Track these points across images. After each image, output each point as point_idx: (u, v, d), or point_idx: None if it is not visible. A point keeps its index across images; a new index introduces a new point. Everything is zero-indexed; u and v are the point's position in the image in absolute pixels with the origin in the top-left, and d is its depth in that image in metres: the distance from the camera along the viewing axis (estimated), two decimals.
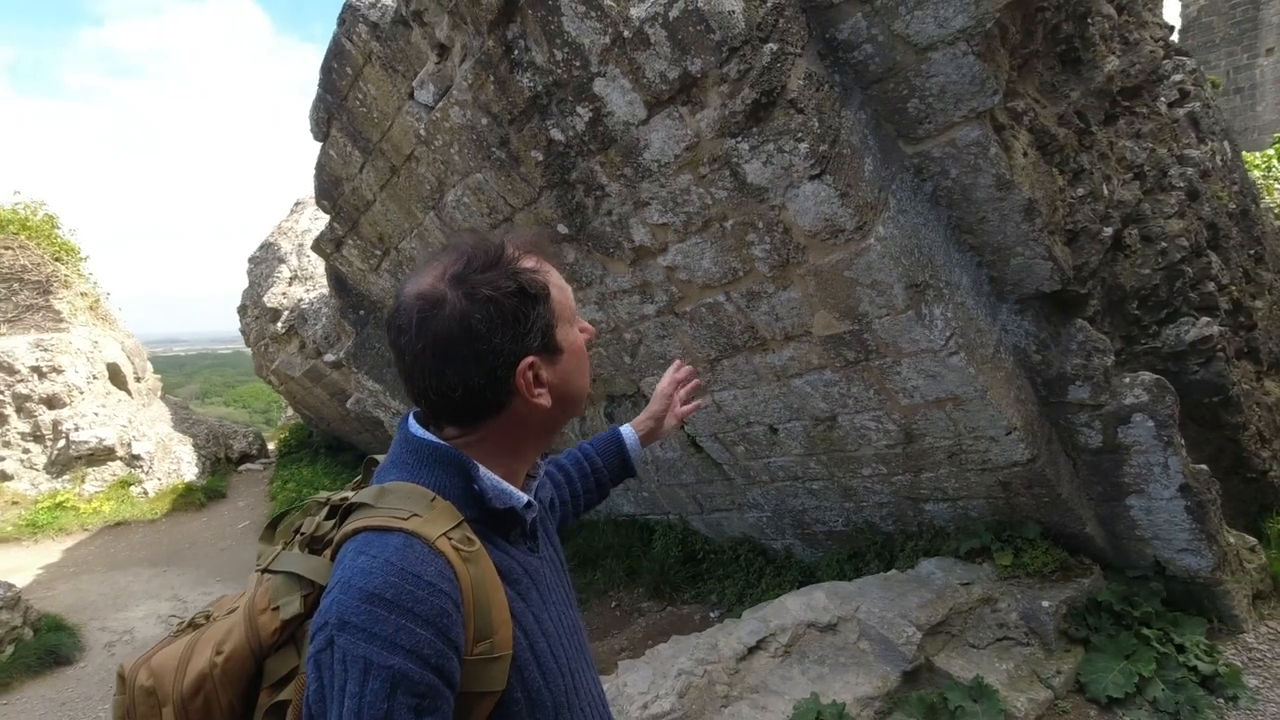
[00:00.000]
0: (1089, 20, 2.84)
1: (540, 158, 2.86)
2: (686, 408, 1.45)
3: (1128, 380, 2.93)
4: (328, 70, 3.91)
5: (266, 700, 0.82)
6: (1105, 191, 2.98)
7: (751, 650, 2.92)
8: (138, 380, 9.56)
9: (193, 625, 0.90)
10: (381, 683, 0.70)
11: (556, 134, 2.72)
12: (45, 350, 8.19)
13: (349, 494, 0.91)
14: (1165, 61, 3.92)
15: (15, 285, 8.30)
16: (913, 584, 3.12)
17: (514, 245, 0.89)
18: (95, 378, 8.71)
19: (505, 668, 0.81)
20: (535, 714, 0.84)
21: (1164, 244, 3.22)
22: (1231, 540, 3.13)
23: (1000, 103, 2.59)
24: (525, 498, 0.91)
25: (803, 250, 2.63)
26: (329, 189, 4.94)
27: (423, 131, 3.28)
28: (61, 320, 8.48)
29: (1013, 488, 3.15)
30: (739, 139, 2.36)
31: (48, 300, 8.43)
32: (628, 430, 1.42)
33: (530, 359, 0.87)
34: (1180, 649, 2.81)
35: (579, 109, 2.57)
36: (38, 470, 8.17)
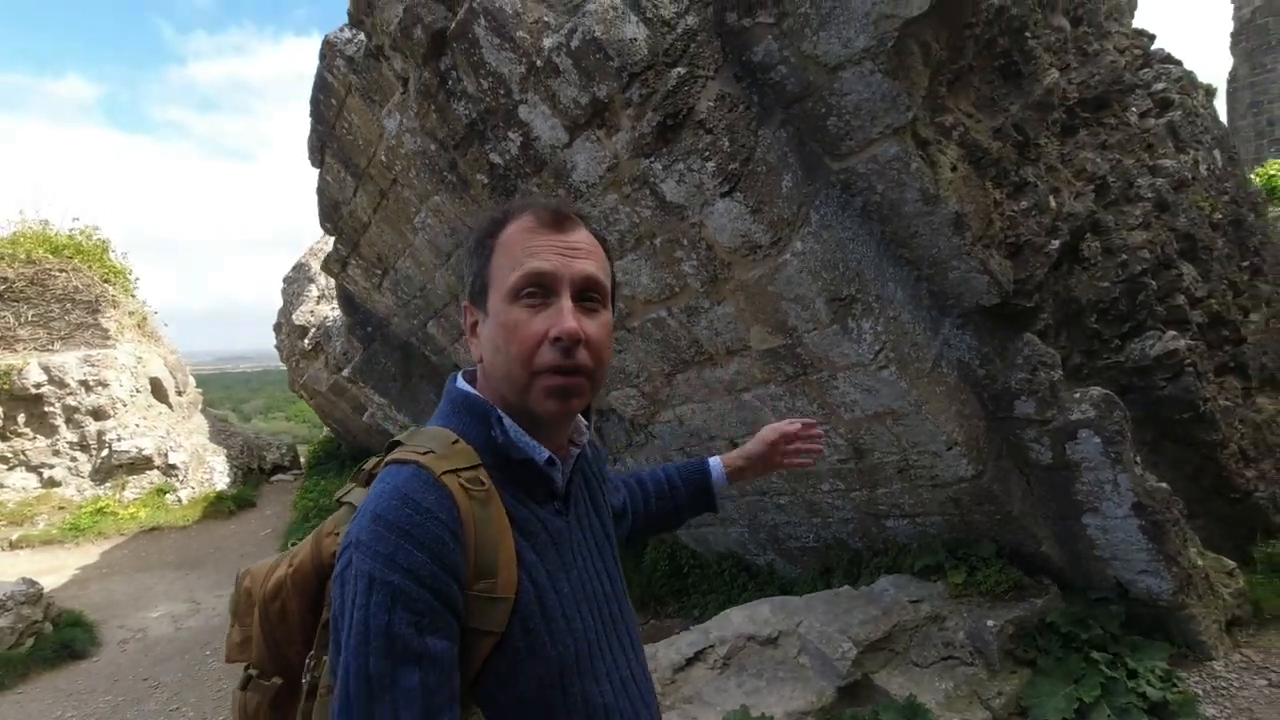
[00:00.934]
0: (1026, 34, 2.82)
1: (485, 180, 2.99)
2: (794, 460, 1.42)
3: (1077, 395, 2.86)
4: (316, 102, 4.14)
5: (326, 614, 0.87)
6: (1053, 204, 2.94)
7: (690, 661, 2.94)
8: (179, 394, 10.12)
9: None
10: (382, 595, 0.74)
11: (495, 158, 2.85)
12: (93, 366, 8.79)
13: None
14: (1143, 70, 3.84)
15: (68, 305, 8.95)
16: (861, 600, 3.10)
17: (528, 206, 0.93)
18: (138, 391, 9.28)
19: (506, 611, 0.82)
20: (536, 666, 0.84)
21: (1124, 256, 3.14)
22: (1200, 563, 3.00)
23: (926, 118, 2.61)
24: (546, 453, 0.91)
25: (728, 266, 2.68)
26: (329, 212, 5.20)
27: (383, 158, 3.46)
28: (109, 338, 9.09)
29: (963, 504, 3.10)
30: (652, 159, 2.44)
31: (96, 319, 9.06)
32: (715, 462, 1.40)
33: (466, 303, 0.95)
34: (1132, 674, 2.70)
35: (510, 134, 2.69)
36: (83, 477, 8.72)
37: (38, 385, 8.59)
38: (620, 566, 1.07)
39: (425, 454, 0.84)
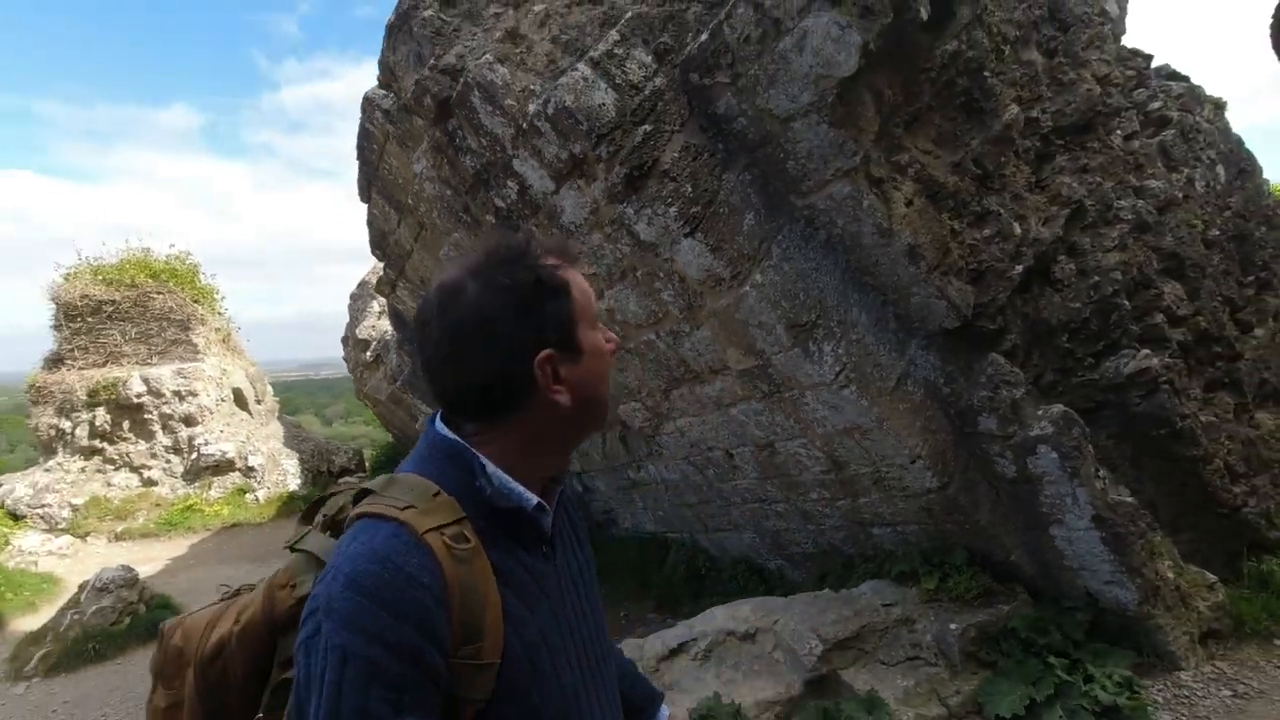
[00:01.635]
0: (985, 74, 3.01)
1: (493, 220, 3.40)
2: None
3: (1040, 412, 3.02)
4: (360, 147, 4.67)
5: (276, 677, 0.81)
6: (1017, 231, 3.10)
7: (674, 652, 3.23)
8: (258, 402, 11.09)
9: (236, 594, 0.92)
10: (357, 672, 0.69)
11: (499, 202, 3.24)
12: (184, 377, 9.78)
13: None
14: (1138, 90, 3.92)
15: (164, 324, 10.00)
16: (838, 603, 3.32)
17: (539, 244, 0.89)
18: (223, 400, 10.25)
19: (492, 677, 0.77)
20: None
21: (1097, 278, 3.26)
22: (1170, 575, 3.09)
23: (881, 157, 2.85)
24: (534, 499, 0.86)
25: (700, 295, 2.98)
26: (379, 240, 5.75)
27: (409, 201, 3.92)
28: (198, 352, 10.09)
29: (935, 514, 3.28)
30: (624, 204, 2.77)
31: (188, 335, 10.08)
32: (665, 712, 1.24)
33: (548, 352, 0.84)
34: (1089, 679, 2.84)
35: (509, 183, 3.08)
36: (176, 478, 9.70)
37: (139, 395, 9.63)
38: (602, 608, 1.03)
39: (405, 509, 0.77)
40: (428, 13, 3.03)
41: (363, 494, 0.83)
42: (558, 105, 2.56)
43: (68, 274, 10.28)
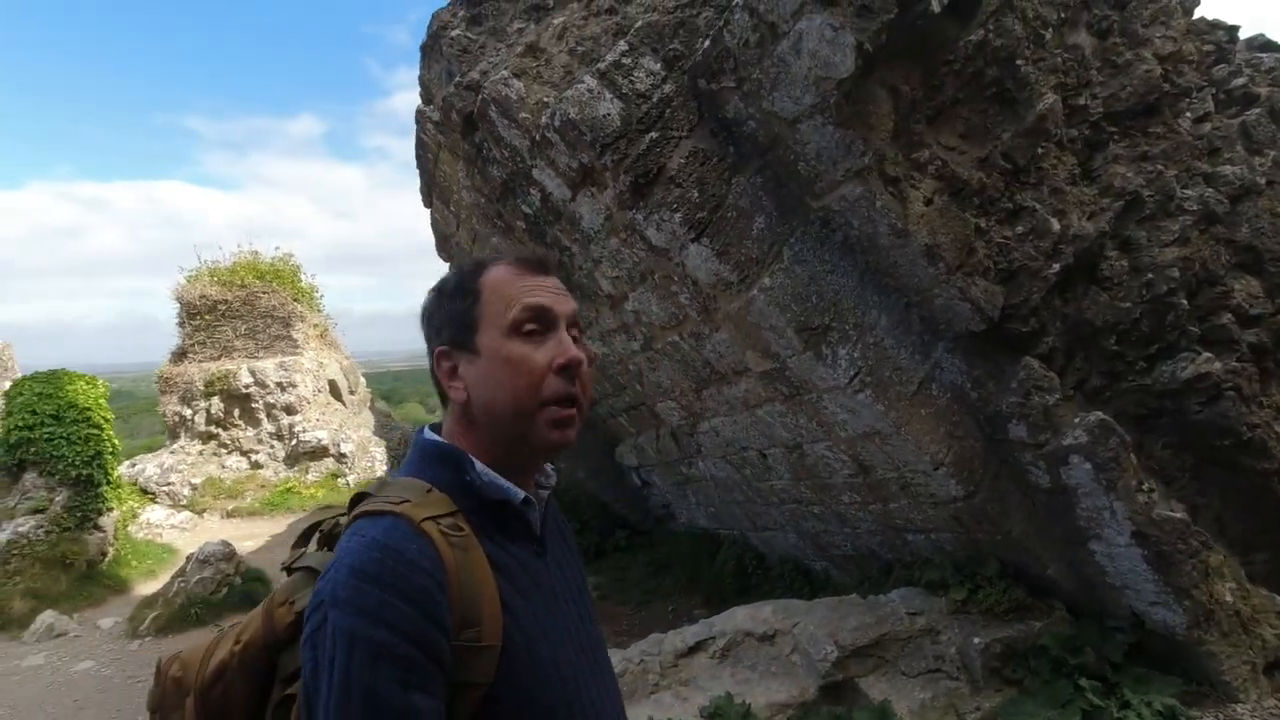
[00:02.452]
0: (1018, 62, 2.85)
1: (523, 225, 3.54)
2: None
3: (1077, 420, 2.85)
4: (418, 156, 4.94)
5: (278, 694, 0.83)
6: (1055, 227, 2.92)
7: (692, 649, 3.28)
8: (351, 393, 11.91)
9: (230, 627, 0.95)
10: (365, 653, 0.71)
11: (526, 208, 3.38)
12: (285, 370, 10.65)
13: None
14: (1218, 67, 3.59)
15: (269, 320, 10.92)
16: (861, 609, 3.26)
17: (502, 257, 0.95)
18: (319, 391, 11.09)
19: (493, 660, 0.79)
20: (526, 715, 0.82)
21: (1150, 275, 3.03)
22: (1229, 598, 2.84)
23: (898, 155, 2.77)
24: (521, 493, 0.90)
25: (714, 298, 3.00)
26: (442, 243, 6.05)
27: (451, 212, 4.12)
28: (297, 346, 10.96)
29: (965, 523, 3.16)
30: (633, 211, 2.83)
31: (289, 331, 10.96)
32: None
33: (440, 348, 0.92)
34: (1124, 704, 2.67)
35: (531, 191, 3.20)
36: (279, 462, 10.60)
37: (246, 386, 10.57)
38: (595, 613, 1.06)
39: (401, 504, 0.82)
40: (455, 32, 3.19)
41: (358, 500, 0.88)
42: (563, 118, 2.65)
43: (189, 276, 11.40)
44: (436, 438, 0.93)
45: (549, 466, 1.01)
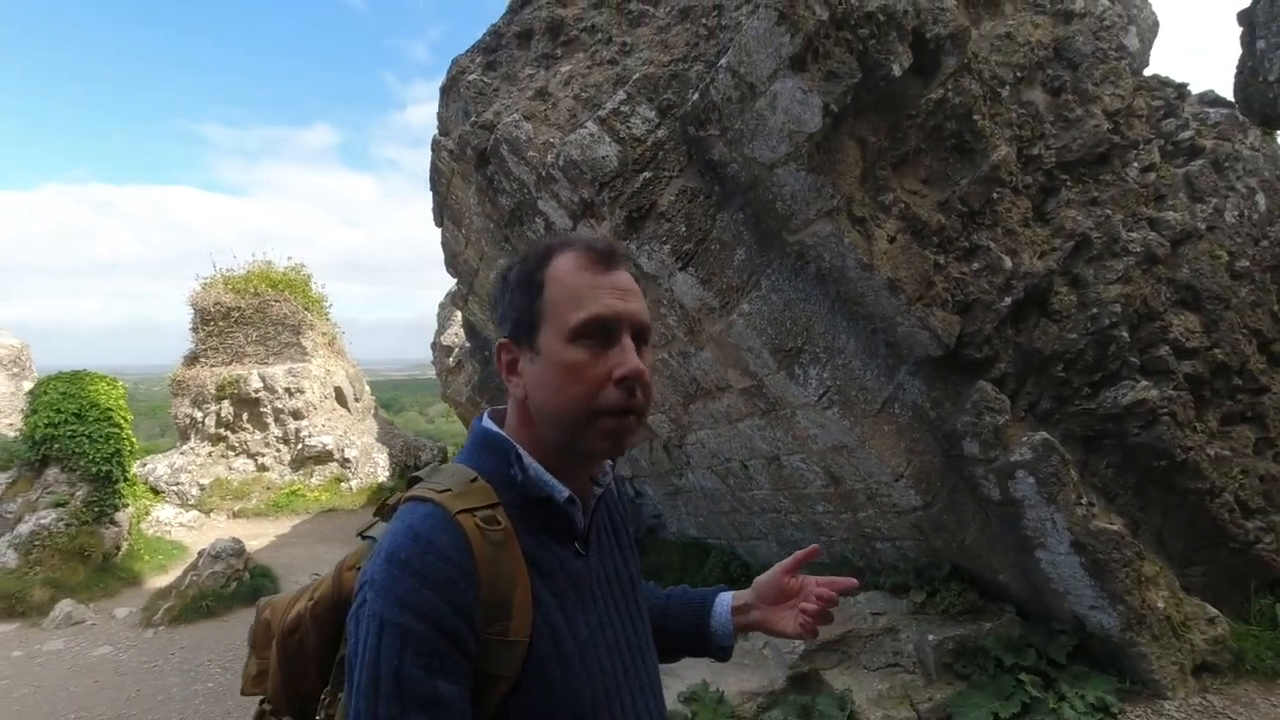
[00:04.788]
0: (975, 117, 3.19)
1: None
2: (809, 617, 1.13)
3: (1024, 439, 3.15)
4: (432, 179, 5.29)
5: (343, 651, 0.85)
6: (1008, 264, 3.25)
7: None
8: (356, 400, 12.25)
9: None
10: (392, 638, 0.73)
11: (531, 234, 3.71)
12: (294, 376, 11.01)
13: None
14: (1166, 120, 3.93)
15: (279, 328, 11.30)
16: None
17: (571, 243, 0.91)
18: (326, 398, 11.43)
19: (520, 654, 0.80)
20: (551, 713, 0.82)
21: (1095, 310, 3.34)
22: (1160, 604, 3.13)
23: (865, 197, 3.10)
24: (566, 492, 0.89)
25: (699, 321, 3.32)
26: (451, 260, 6.39)
27: (461, 233, 4.46)
28: (306, 354, 11.32)
29: (925, 531, 3.46)
30: (628, 241, 3.16)
31: (298, 339, 11.33)
32: (724, 600, 1.20)
33: (503, 340, 0.91)
34: (1061, 698, 2.96)
35: (537, 219, 3.54)
36: (284, 465, 10.92)
37: (256, 391, 10.92)
38: (645, 612, 1.04)
39: (442, 492, 0.83)
40: (472, 76, 3.54)
41: (413, 481, 0.90)
42: (567, 158, 2.98)
43: (205, 283, 11.77)
44: (492, 426, 0.93)
45: (608, 463, 0.99)
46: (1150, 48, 3.90)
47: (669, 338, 3.61)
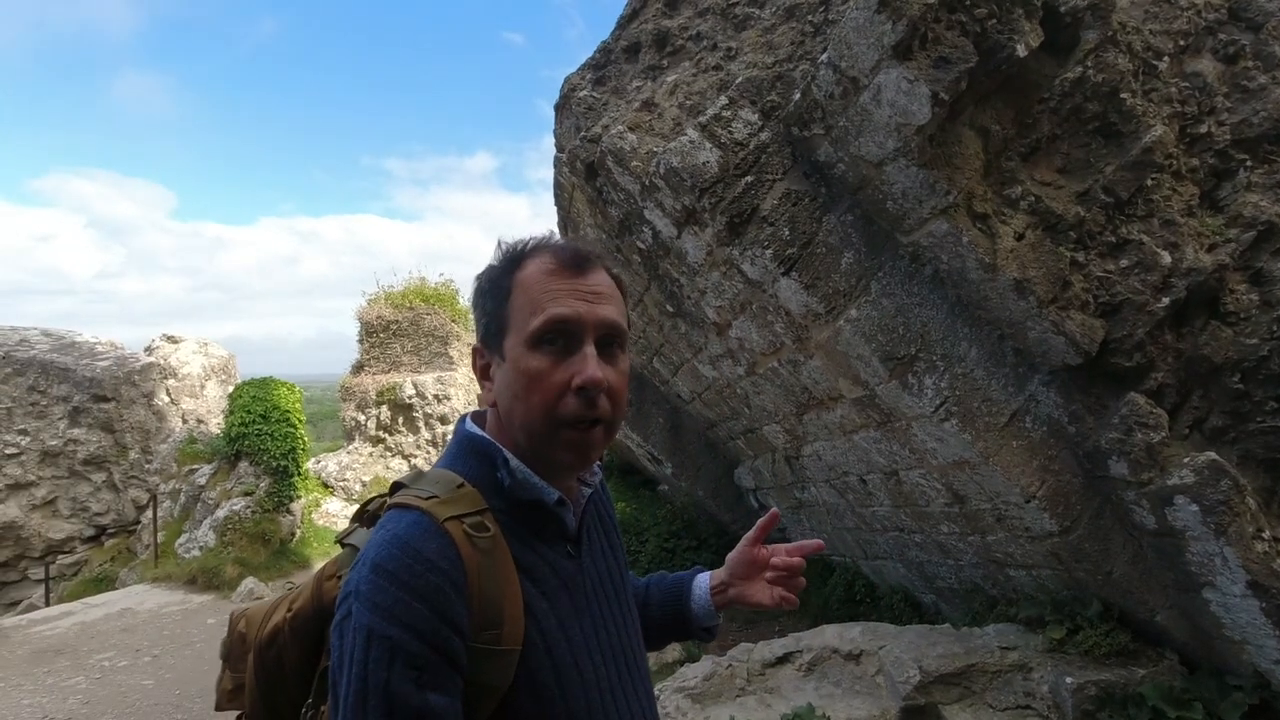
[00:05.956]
0: (1122, 95, 2.84)
1: (638, 260, 3.95)
2: (781, 591, 1.14)
3: (1187, 460, 2.75)
4: (556, 195, 5.54)
5: (325, 663, 0.84)
6: (1166, 260, 2.85)
7: (780, 660, 3.45)
8: None
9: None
10: (381, 650, 0.71)
11: (640, 244, 3.78)
12: (442, 384, 11.96)
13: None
14: None
15: (430, 339, 12.33)
16: (950, 638, 3.28)
17: (545, 245, 0.89)
18: (470, 404, 12.28)
19: (511, 664, 0.78)
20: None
21: None
22: None
23: (988, 192, 2.87)
24: (555, 494, 0.87)
25: (806, 328, 3.21)
26: None
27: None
28: (453, 363, 12.25)
29: (1064, 560, 3.10)
30: (730, 247, 3.13)
31: (446, 349, 12.30)
32: (703, 578, 1.20)
33: (477, 345, 0.90)
34: None
35: (643, 229, 3.60)
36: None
37: (409, 397, 11.95)
38: (636, 613, 1.03)
39: (428, 499, 0.80)
40: (583, 93, 3.68)
41: (396, 487, 0.87)
42: (667, 166, 3.01)
43: (370, 299, 13.10)
44: (476, 429, 0.91)
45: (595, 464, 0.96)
46: None
47: (777, 345, 3.53)
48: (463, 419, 0.96)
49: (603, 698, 0.87)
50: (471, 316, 0.98)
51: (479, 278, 0.92)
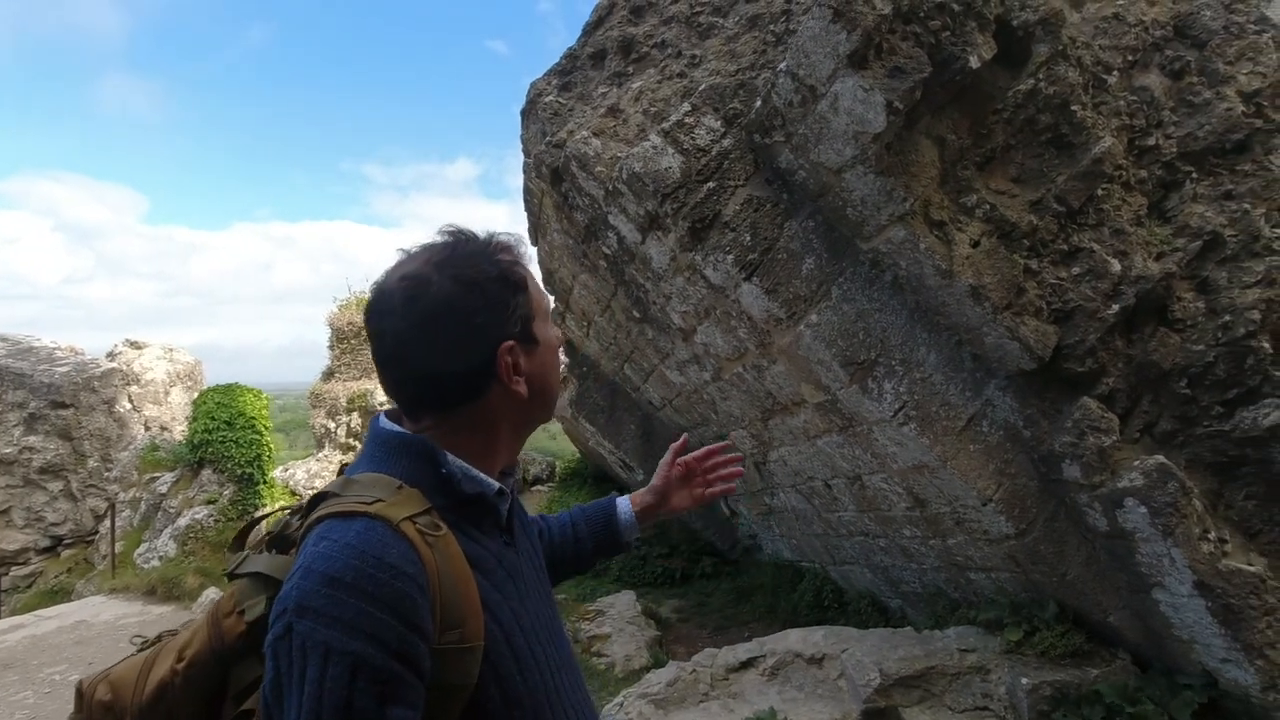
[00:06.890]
0: (1073, 108, 2.91)
1: (604, 265, 3.95)
2: (714, 489, 1.35)
3: (1136, 463, 2.81)
4: (526, 200, 5.53)
5: (231, 711, 0.79)
6: (1115, 268, 2.92)
7: (744, 665, 3.46)
8: None
9: (158, 641, 0.86)
10: (342, 669, 0.68)
11: (606, 249, 3.78)
12: None
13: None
14: None
15: None
16: (911, 641, 3.31)
17: (496, 242, 0.92)
18: None
19: (476, 660, 0.78)
20: (512, 711, 0.81)
21: (1228, 317, 2.93)
22: None
23: (944, 200, 2.92)
24: (496, 485, 0.89)
25: (768, 333, 3.24)
26: (547, 277, 6.62)
27: (545, 250, 4.61)
28: None
29: (1021, 562, 3.15)
30: (693, 253, 3.15)
31: None
32: (623, 501, 1.34)
33: (510, 343, 0.88)
34: None
35: (609, 234, 3.61)
36: None
37: (380, 404, 11.78)
38: (549, 580, 1.08)
39: (374, 504, 0.77)
40: (549, 98, 3.68)
41: (317, 500, 0.83)
42: (630, 171, 3.02)
43: (341, 304, 12.92)
44: (398, 428, 0.89)
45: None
46: None
47: (741, 350, 3.55)
48: (376, 418, 0.95)
49: (555, 677, 0.89)
50: (458, 325, 0.86)
51: (470, 278, 0.87)
